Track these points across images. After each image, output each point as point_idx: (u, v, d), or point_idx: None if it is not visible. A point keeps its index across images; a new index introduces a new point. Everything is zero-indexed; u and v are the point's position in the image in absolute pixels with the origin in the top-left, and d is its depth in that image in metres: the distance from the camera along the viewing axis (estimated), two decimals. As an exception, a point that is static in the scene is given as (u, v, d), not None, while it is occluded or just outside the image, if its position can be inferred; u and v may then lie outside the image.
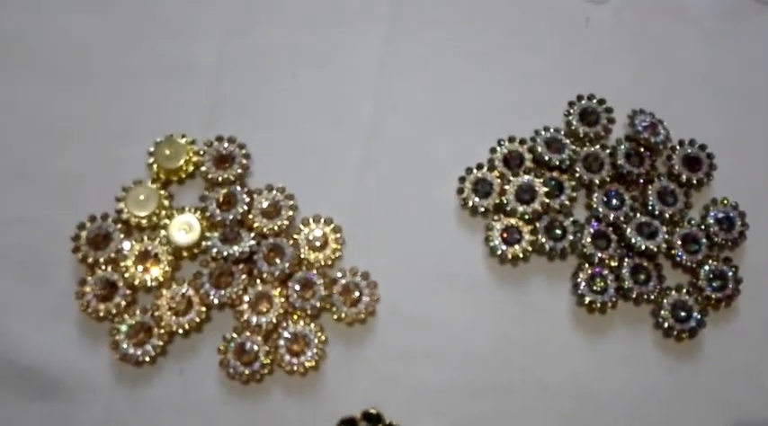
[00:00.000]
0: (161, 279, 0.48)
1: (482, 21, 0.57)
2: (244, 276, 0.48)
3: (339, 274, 0.49)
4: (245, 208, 0.49)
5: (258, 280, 0.48)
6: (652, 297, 0.49)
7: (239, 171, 0.50)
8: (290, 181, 0.51)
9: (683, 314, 0.49)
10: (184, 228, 0.49)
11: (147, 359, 0.47)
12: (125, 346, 0.47)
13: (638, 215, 0.51)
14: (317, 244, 0.49)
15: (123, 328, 0.47)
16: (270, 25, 0.56)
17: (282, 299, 0.48)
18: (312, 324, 0.47)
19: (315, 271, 0.48)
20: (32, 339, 0.47)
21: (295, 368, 0.47)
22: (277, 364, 0.47)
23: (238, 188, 0.50)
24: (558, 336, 0.50)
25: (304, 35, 0.56)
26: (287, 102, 0.54)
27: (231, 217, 0.49)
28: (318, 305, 0.48)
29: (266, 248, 0.48)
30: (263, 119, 0.53)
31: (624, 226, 0.50)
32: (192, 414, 0.47)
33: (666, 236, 0.50)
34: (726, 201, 0.52)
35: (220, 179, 0.50)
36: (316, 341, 0.47)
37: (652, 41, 0.57)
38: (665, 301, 0.49)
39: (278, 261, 0.48)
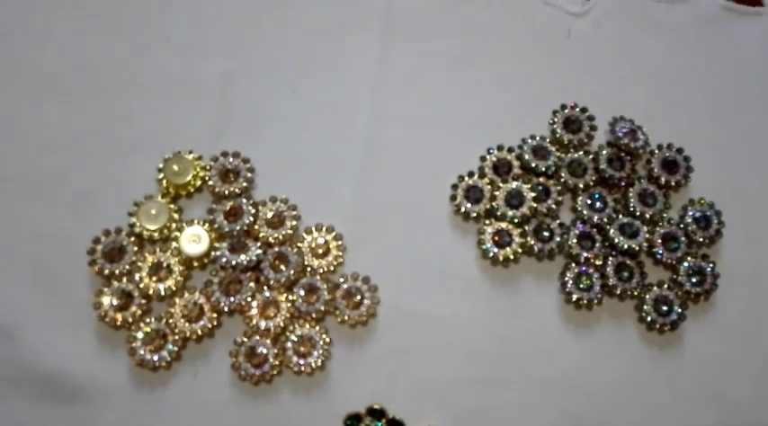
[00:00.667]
0: (174, 288, 0.51)
1: (470, 34, 0.60)
2: (252, 283, 0.51)
3: (341, 279, 0.52)
4: (251, 219, 0.52)
5: (265, 287, 0.51)
6: (635, 293, 0.52)
7: (244, 184, 0.53)
8: (293, 191, 0.54)
9: (664, 308, 0.52)
10: (194, 240, 0.52)
11: (163, 364, 0.49)
12: (142, 352, 0.49)
13: (621, 216, 0.54)
14: (320, 251, 0.52)
15: (140, 335, 0.50)
16: (269, 43, 0.58)
17: (289, 304, 0.51)
18: (317, 327, 0.50)
19: (318, 277, 0.51)
20: (54, 348, 0.50)
21: (302, 368, 0.49)
22: (285, 365, 0.50)
23: (244, 200, 0.52)
24: (549, 332, 0.53)
25: (302, 51, 0.58)
26: (287, 115, 0.57)
27: (238, 227, 0.52)
28: (323, 308, 0.50)
29: (272, 256, 0.51)
30: (265, 133, 0.56)
31: (607, 227, 0.53)
32: (206, 415, 0.50)
33: (647, 236, 0.53)
34: (703, 201, 0.55)
35: (227, 192, 0.53)
36: (321, 342, 0.50)
37: (631, 51, 0.60)
38: (647, 296, 0.52)
39: (283, 268, 0.51)
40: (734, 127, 0.58)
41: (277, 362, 0.49)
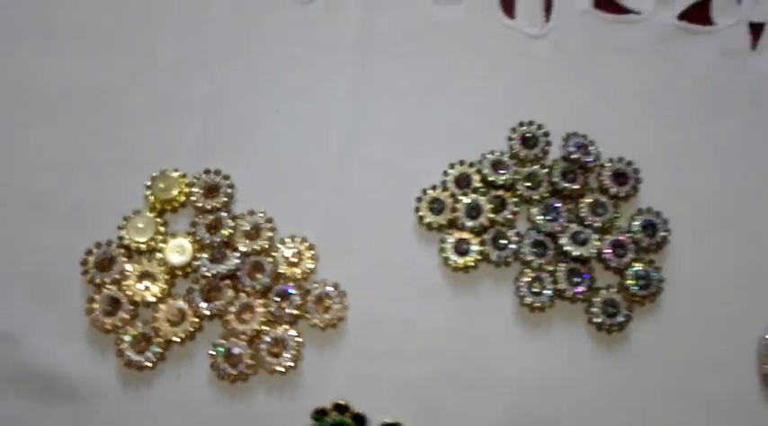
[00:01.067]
0: (159, 295, 0.55)
1: (438, 57, 0.64)
2: (230, 290, 0.55)
3: (313, 285, 0.56)
4: (231, 231, 0.56)
5: (242, 293, 0.55)
6: (585, 296, 0.57)
7: (225, 199, 0.58)
8: (271, 205, 0.58)
9: (612, 310, 0.56)
10: (178, 251, 0.56)
11: (149, 364, 0.54)
12: (129, 354, 0.54)
13: (573, 225, 0.58)
14: (294, 260, 0.57)
15: (127, 338, 0.54)
16: (252, 64, 0.63)
17: (264, 309, 0.55)
18: (290, 330, 0.55)
19: (291, 284, 0.56)
20: (50, 351, 0.55)
21: (276, 368, 0.54)
22: (260, 365, 0.54)
23: (224, 214, 0.57)
24: (506, 333, 0.57)
25: (283, 72, 0.63)
26: (268, 134, 0.61)
27: (218, 239, 0.56)
28: (295, 312, 0.55)
29: (249, 265, 0.56)
30: (247, 151, 0.61)
31: (560, 235, 0.58)
32: (188, 411, 0.54)
33: (597, 243, 0.57)
34: (650, 210, 0.59)
35: (208, 207, 0.57)
36: (293, 344, 0.54)
37: (587, 70, 0.64)
38: (596, 299, 0.57)
39: (259, 276, 0.56)
40: (683, 141, 0.62)
41: (252, 362, 0.54)
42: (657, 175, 0.60)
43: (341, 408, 0.53)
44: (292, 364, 0.54)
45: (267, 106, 0.62)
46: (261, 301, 0.55)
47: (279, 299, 0.55)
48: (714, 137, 0.62)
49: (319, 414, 0.53)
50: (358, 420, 0.53)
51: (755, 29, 0.65)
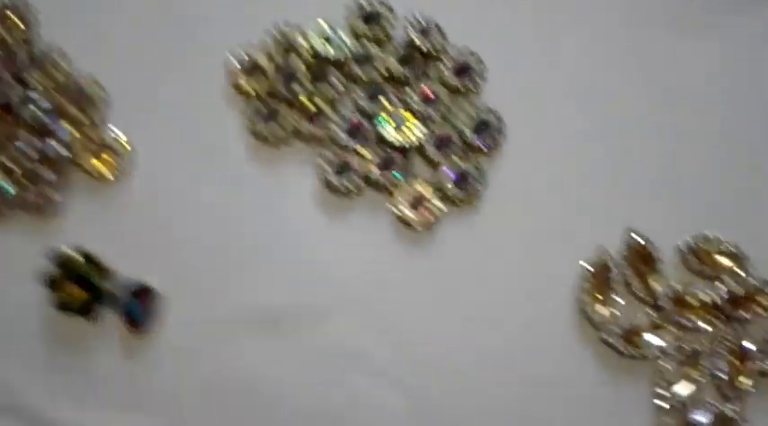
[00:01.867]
0: None
1: None
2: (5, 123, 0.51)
3: (99, 133, 0.52)
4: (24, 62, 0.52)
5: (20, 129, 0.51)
6: (393, 186, 0.51)
7: (25, 29, 0.53)
8: (75, 42, 0.53)
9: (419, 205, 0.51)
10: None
11: None
12: None
13: (399, 112, 0.53)
14: (83, 102, 0.52)
15: None
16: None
17: (37, 145, 0.51)
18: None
19: (72, 126, 0.51)
20: None
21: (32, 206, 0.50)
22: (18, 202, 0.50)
23: (22, 45, 0.52)
24: (303, 215, 0.52)
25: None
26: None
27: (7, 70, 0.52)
28: (67, 154, 0.50)
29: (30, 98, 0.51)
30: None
31: (381, 120, 0.52)
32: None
33: (419, 135, 0.52)
34: (489, 110, 0.53)
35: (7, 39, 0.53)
36: (49, 179, 0.50)
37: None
38: (401, 190, 0.51)
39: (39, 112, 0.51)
40: (547, 44, 0.56)
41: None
42: (507, 77, 0.54)
43: (89, 258, 0.48)
44: (49, 206, 0.49)
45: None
46: (36, 138, 0.51)
47: (55, 140, 0.51)
48: (579, 45, 0.56)
49: (62, 257, 0.48)
50: (101, 271, 0.48)
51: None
